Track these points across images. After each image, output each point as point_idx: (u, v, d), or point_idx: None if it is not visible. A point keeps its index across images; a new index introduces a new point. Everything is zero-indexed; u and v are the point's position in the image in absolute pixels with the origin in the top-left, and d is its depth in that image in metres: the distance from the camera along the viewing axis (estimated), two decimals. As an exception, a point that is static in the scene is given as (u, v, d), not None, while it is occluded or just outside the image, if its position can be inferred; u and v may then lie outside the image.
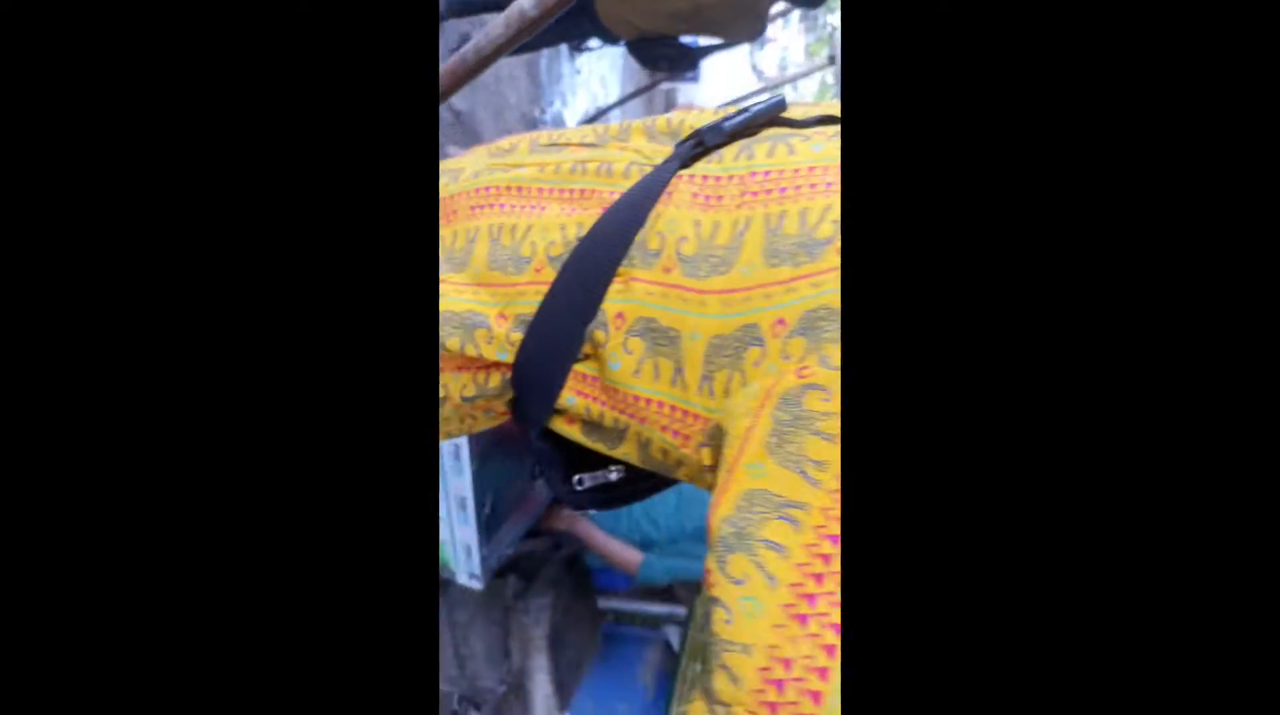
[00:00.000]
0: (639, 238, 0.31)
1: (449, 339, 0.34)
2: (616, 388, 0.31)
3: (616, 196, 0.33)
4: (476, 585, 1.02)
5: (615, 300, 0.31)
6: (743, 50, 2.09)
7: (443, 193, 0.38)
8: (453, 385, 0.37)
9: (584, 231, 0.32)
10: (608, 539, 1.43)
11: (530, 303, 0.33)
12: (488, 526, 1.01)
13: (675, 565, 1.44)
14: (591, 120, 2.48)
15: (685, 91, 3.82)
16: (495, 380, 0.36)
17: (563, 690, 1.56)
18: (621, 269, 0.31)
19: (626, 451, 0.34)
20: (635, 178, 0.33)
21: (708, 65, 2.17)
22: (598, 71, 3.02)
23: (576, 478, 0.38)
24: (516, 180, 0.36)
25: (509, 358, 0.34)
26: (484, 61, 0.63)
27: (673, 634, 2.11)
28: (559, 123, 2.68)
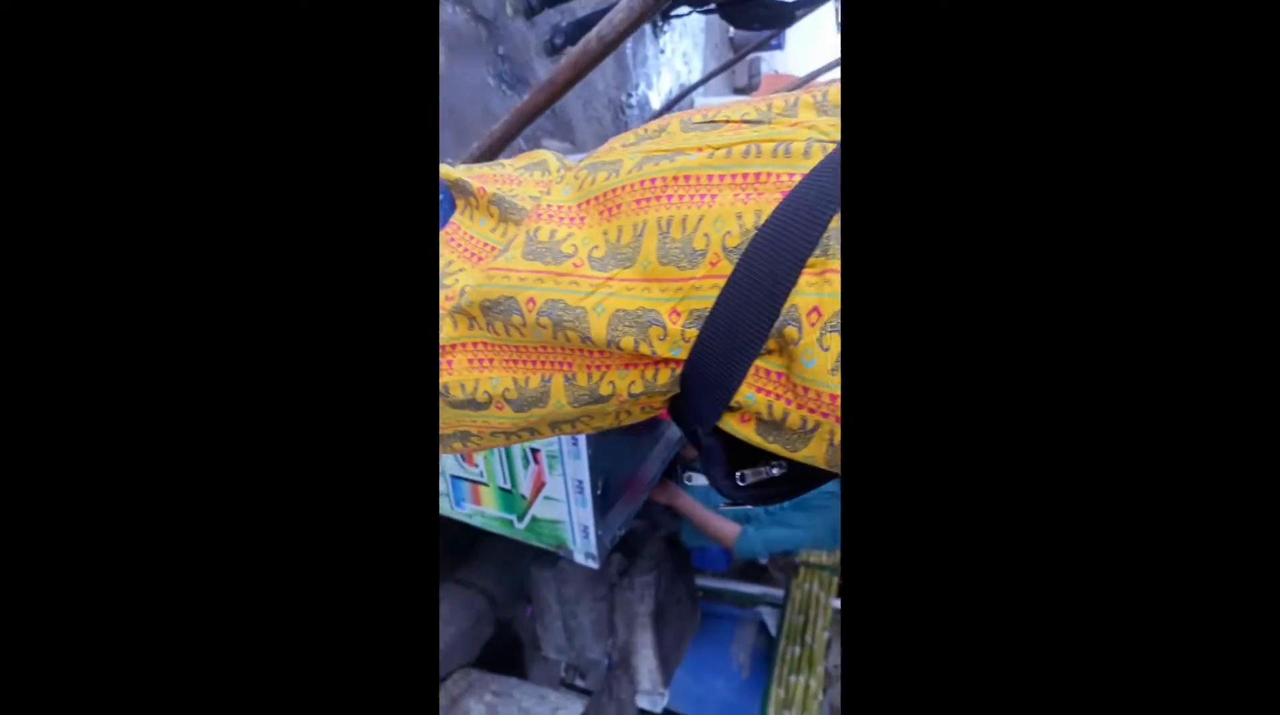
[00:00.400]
0: (834, 224, 0.29)
1: (623, 339, 0.34)
2: (809, 386, 0.30)
3: (797, 179, 0.31)
4: (593, 564, 1.06)
5: (809, 293, 0.29)
6: (828, 10, 1.97)
7: (603, 187, 0.38)
8: (620, 382, 0.37)
9: (763, 219, 0.31)
10: (706, 512, 1.43)
11: (706, 297, 0.32)
12: (600, 508, 1.04)
13: (773, 536, 1.41)
14: (677, 100, 2.44)
15: (769, 60, 3.66)
16: (664, 376, 0.36)
17: (666, 666, 1.60)
18: (813, 259, 0.29)
19: (811, 453, 0.32)
20: (818, 157, 0.31)
21: (791, 30, 2.06)
22: (680, 49, 2.96)
23: (739, 473, 0.38)
24: (683, 169, 0.34)
25: (682, 354, 0.34)
26: (607, 49, 0.63)
27: (767, 614, 2.10)
28: (644, 105, 2.66)
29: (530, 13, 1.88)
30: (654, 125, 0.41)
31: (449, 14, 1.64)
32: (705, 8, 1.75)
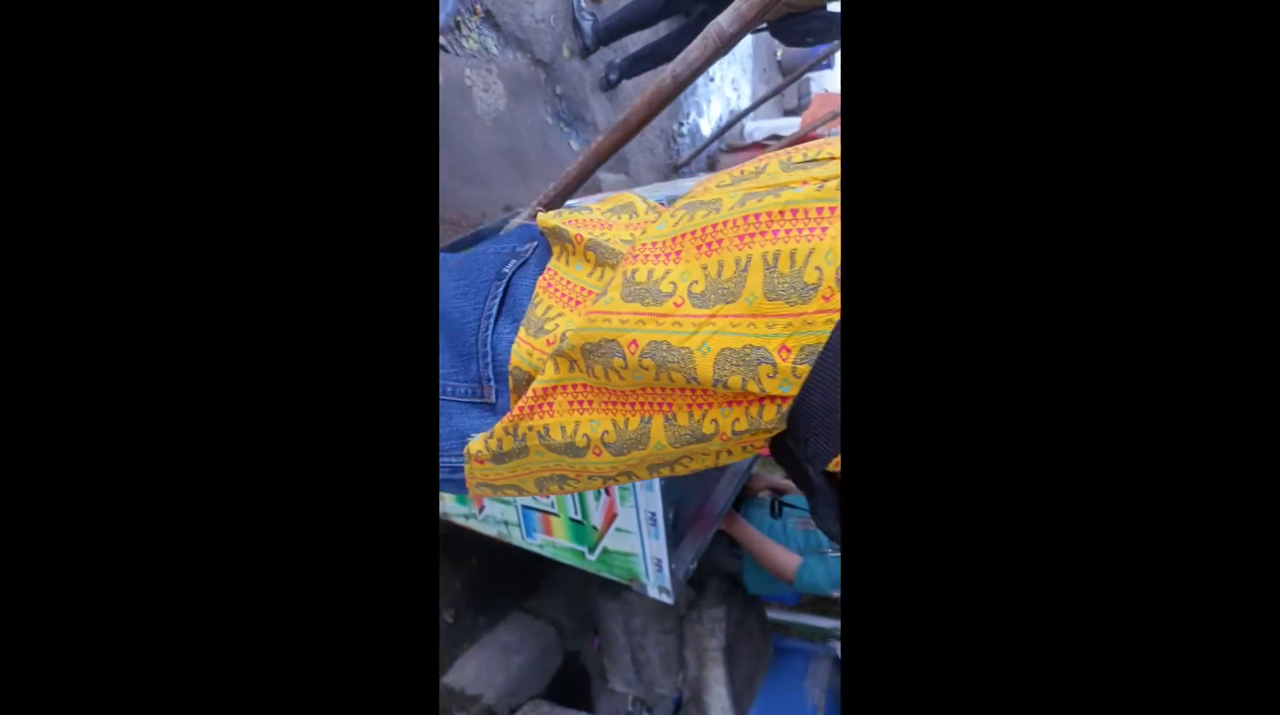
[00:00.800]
0: None
1: (730, 378, 0.33)
2: None
3: None
4: (667, 599, 1.04)
5: None
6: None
7: (702, 223, 0.37)
8: (723, 420, 0.36)
9: None
10: (765, 541, 1.37)
11: (819, 332, 0.31)
12: (672, 540, 1.02)
13: (839, 569, 1.33)
14: (728, 126, 2.46)
15: (819, 80, 3.64)
16: (770, 413, 0.35)
17: (738, 704, 1.54)
18: None
19: None
20: None
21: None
22: (729, 76, 3.00)
23: None
24: (790, 203, 0.33)
25: (793, 391, 0.33)
26: (680, 86, 0.63)
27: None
28: (696, 134, 2.69)
29: (586, 53, 1.95)
30: (750, 167, 0.40)
31: (511, 60, 1.72)
32: (756, 27, 1.76)
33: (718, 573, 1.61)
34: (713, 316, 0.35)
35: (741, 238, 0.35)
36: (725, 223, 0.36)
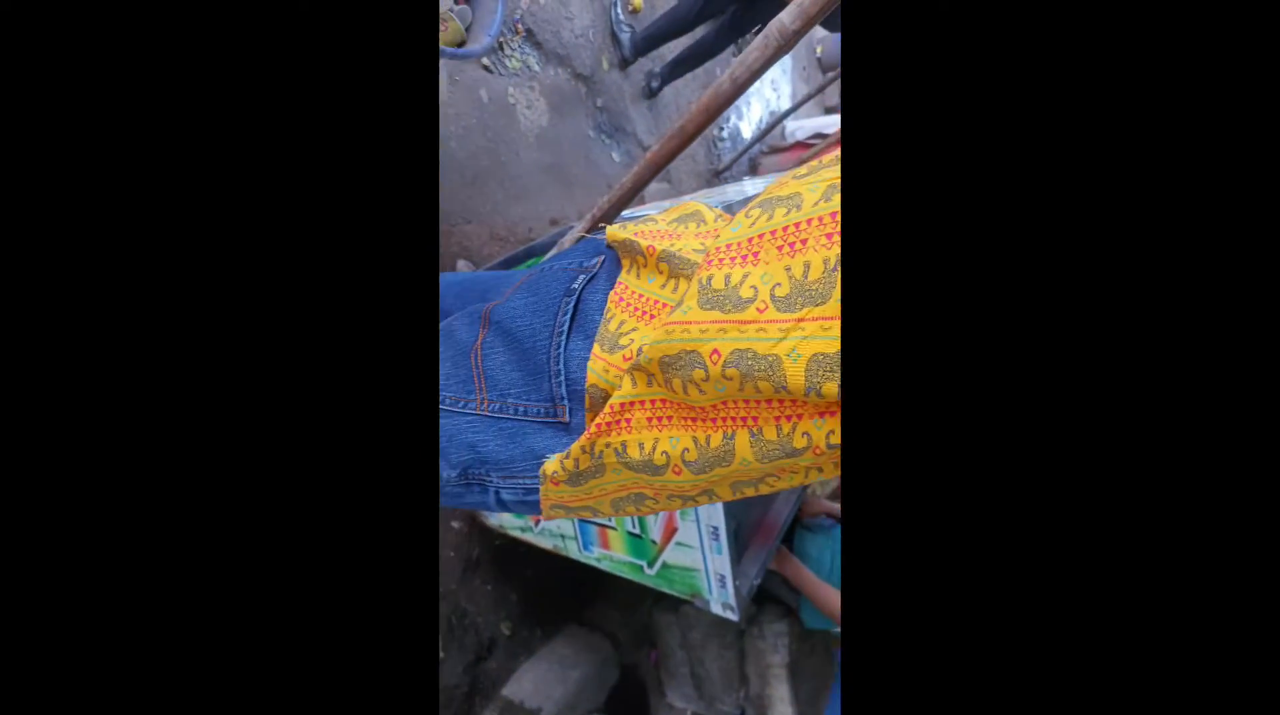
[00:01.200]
0: None
1: (824, 385, 0.31)
2: None
3: None
4: (732, 616, 1.01)
5: None
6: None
7: (782, 222, 0.35)
8: (816, 433, 0.34)
9: None
10: (816, 580, 1.31)
11: None
12: (734, 554, 0.99)
13: None
14: (770, 128, 2.42)
15: (859, 76, 3.55)
16: None
17: (804, 723, 1.48)
18: None
19: None
20: None
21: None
22: (769, 77, 2.96)
23: None
24: None
25: None
26: (739, 89, 0.62)
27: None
28: (736, 137, 2.66)
29: (625, 64, 1.96)
30: (829, 157, 0.38)
31: (552, 76, 1.74)
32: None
33: (776, 600, 1.56)
34: (800, 320, 0.32)
35: (830, 235, 0.33)
36: (809, 220, 0.34)
